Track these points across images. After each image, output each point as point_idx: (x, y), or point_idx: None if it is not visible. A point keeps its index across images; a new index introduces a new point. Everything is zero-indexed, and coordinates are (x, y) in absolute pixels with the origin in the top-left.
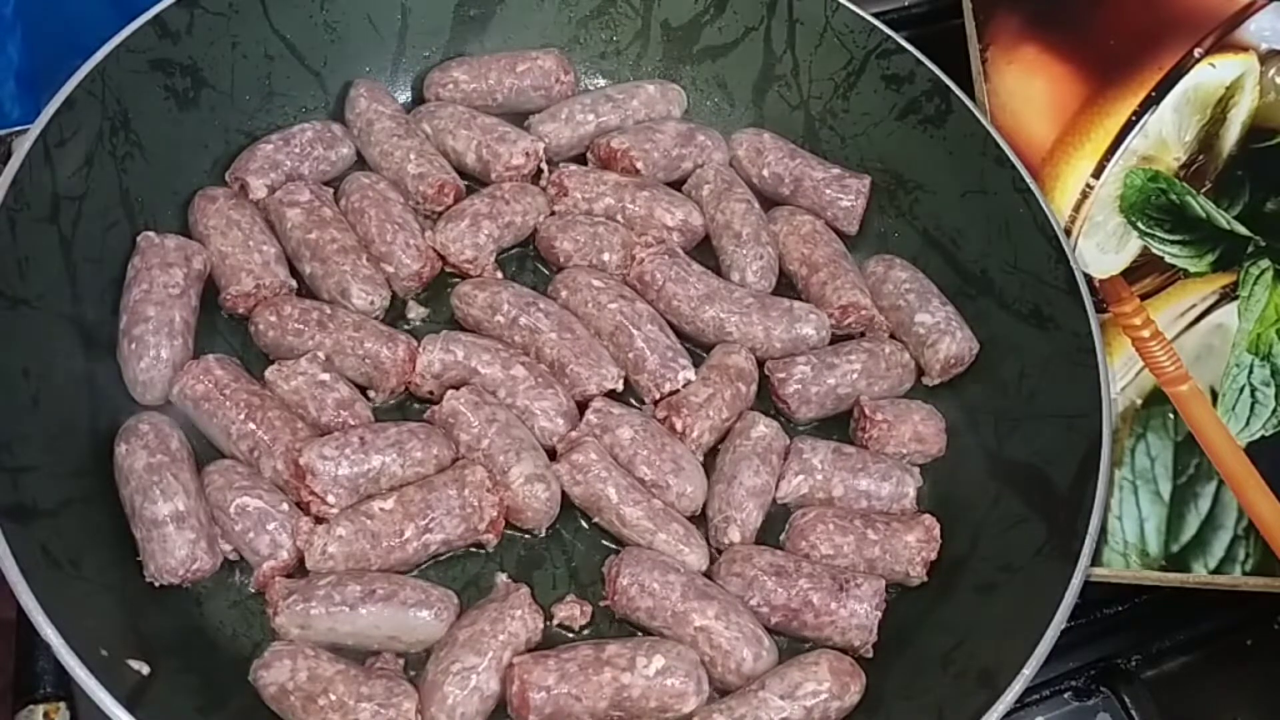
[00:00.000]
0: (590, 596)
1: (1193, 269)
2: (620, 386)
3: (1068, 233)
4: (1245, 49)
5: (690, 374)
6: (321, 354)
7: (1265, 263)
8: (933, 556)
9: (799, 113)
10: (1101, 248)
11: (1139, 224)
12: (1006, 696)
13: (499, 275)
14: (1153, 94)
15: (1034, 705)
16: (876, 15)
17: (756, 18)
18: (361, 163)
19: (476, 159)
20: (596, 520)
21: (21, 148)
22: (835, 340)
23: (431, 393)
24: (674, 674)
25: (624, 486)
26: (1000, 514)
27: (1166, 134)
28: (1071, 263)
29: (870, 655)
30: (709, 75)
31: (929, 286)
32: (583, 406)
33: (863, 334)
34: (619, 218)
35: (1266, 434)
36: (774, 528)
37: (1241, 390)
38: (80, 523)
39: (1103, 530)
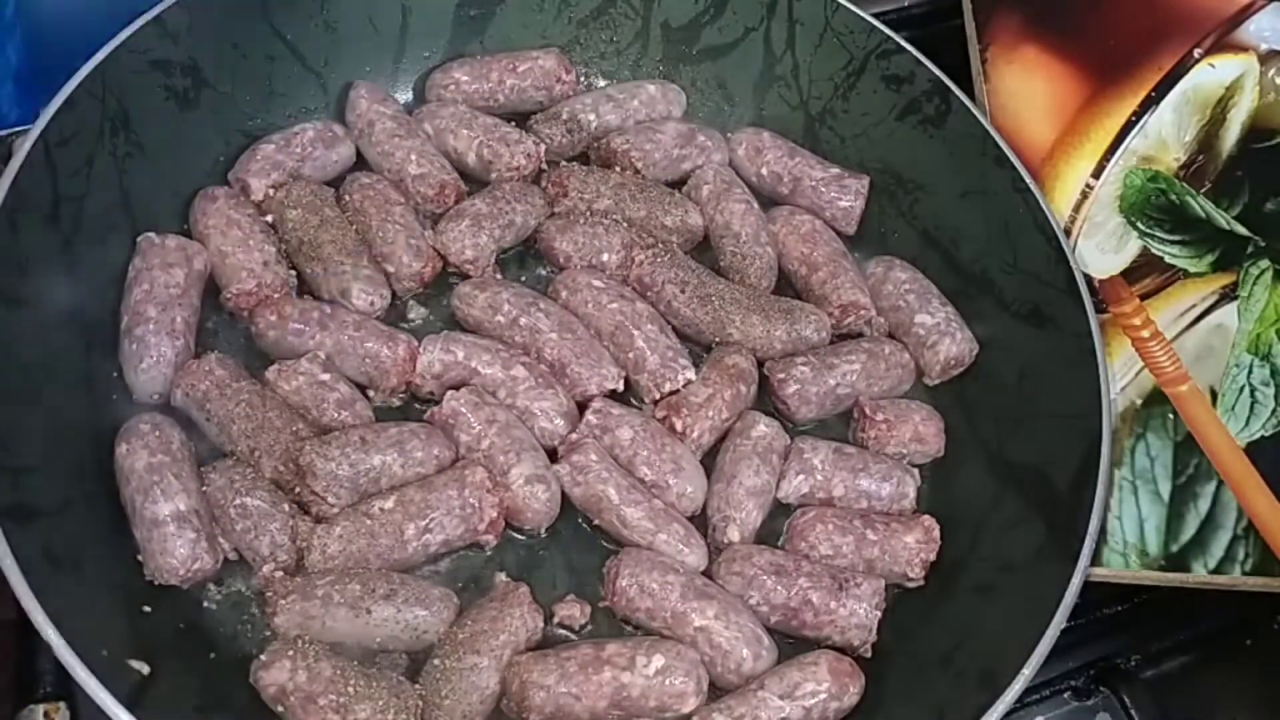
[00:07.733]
0: (590, 596)
1: (1192, 269)
2: (620, 386)
3: (1067, 233)
4: (1245, 49)
5: (690, 374)
6: (322, 354)
7: (1265, 263)
8: (932, 558)
9: (799, 113)
10: (1101, 248)
11: (1139, 224)
12: (1006, 696)
13: (499, 275)
14: (1152, 94)
15: (1034, 705)
16: (876, 15)
17: (756, 18)
18: (362, 163)
19: (477, 159)
20: (597, 521)
21: (22, 148)
22: (835, 340)
23: (432, 393)
24: (674, 674)
25: (624, 487)
26: (1000, 514)
27: (1166, 134)
28: (1071, 263)
29: (870, 655)
30: (709, 75)
31: (929, 287)
32: (583, 407)
33: (861, 334)
34: (619, 218)
35: (1266, 434)
36: (774, 528)
37: (1241, 390)
38: (80, 523)
39: (1102, 530)
